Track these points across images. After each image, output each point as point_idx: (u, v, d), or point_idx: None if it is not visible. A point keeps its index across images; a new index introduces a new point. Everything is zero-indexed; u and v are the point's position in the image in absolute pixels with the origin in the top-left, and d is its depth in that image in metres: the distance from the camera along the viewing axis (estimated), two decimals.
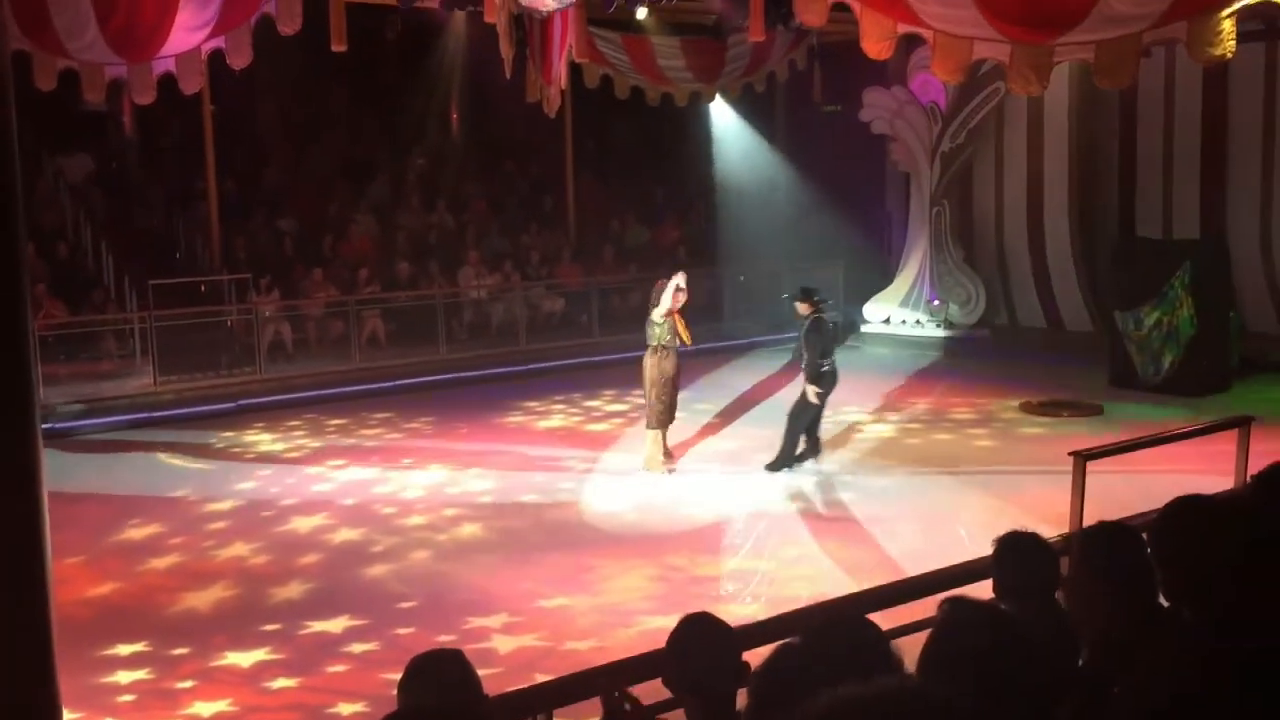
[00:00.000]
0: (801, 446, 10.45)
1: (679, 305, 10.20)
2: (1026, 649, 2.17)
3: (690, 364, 12.57)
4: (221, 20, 10.16)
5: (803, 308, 10.42)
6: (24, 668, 3.77)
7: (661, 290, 10.29)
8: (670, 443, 10.83)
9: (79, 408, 12.69)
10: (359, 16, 12.06)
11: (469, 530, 9.10)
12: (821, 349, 10.21)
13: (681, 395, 10.76)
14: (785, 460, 10.36)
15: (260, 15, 10.25)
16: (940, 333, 16.98)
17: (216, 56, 10.63)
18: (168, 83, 10.69)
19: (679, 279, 10.26)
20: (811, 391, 10.19)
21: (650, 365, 10.30)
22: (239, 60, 10.43)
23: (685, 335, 10.24)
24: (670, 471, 10.47)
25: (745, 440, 11.31)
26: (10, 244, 3.78)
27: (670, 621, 3.05)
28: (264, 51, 10.83)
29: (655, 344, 10.28)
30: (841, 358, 16.40)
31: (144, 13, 10.05)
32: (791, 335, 17.41)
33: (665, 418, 10.42)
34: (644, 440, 10.65)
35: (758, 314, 17.52)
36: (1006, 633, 2.19)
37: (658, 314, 10.21)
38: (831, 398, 13.51)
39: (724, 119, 18.77)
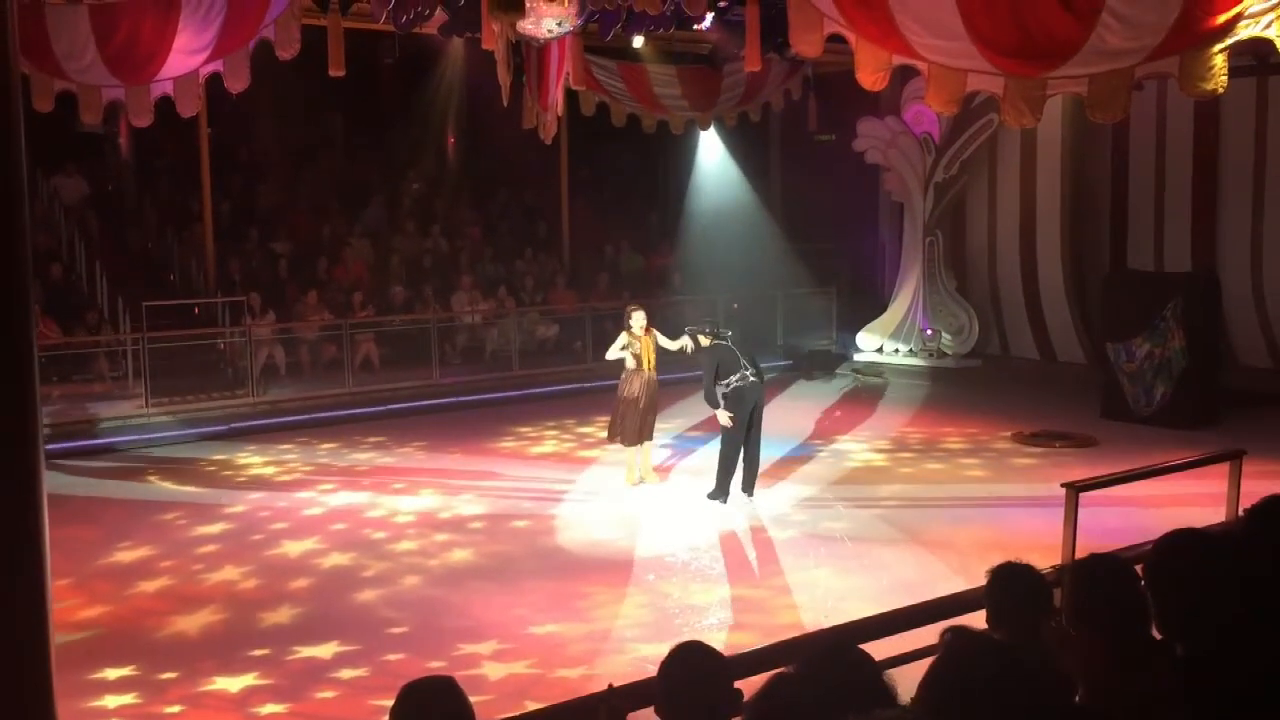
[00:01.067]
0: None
1: (637, 333, 10.78)
2: (1027, 681, 2.17)
3: (683, 390, 12.62)
4: (220, 44, 10.20)
5: (704, 340, 10.50)
6: (23, 692, 3.76)
7: (629, 316, 10.90)
8: (657, 467, 11.15)
9: (71, 429, 12.65)
10: (357, 42, 12.12)
11: (460, 556, 9.06)
12: (719, 372, 10.22)
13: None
14: (722, 489, 10.27)
15: (259, 40, 10.30)
16: (933, 362, 17.02)
17: (214, 80, 10.67)
18: (165, 105, 10.72)
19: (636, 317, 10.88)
20: (723, 416, 10.17)
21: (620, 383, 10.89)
22: (237, 84, 10.46)
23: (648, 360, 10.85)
24: (636, 484, 10.88)
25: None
26: (17, 267, 3.79)
27: (662, 649, 3.04)
28: (261, 76, 10.86)
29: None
30: (833, 387, 16.66)
31: (143, 36, 10.10)
32: (781, 362, 17.63)
33: (628, 436, 10.80)
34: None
35: (751, 341, 17.55)
36: (1009, 664, 2.18)
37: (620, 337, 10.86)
38: (819, 425, 13.69)
39: (719, 147, 18.87)
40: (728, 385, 10.19)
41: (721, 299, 17.79)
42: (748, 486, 10.35)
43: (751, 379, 10.29)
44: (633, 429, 10.76)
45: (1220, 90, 7.61)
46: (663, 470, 11.44)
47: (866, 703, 1.68)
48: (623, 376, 10.84)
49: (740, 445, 10.25)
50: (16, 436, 3.80)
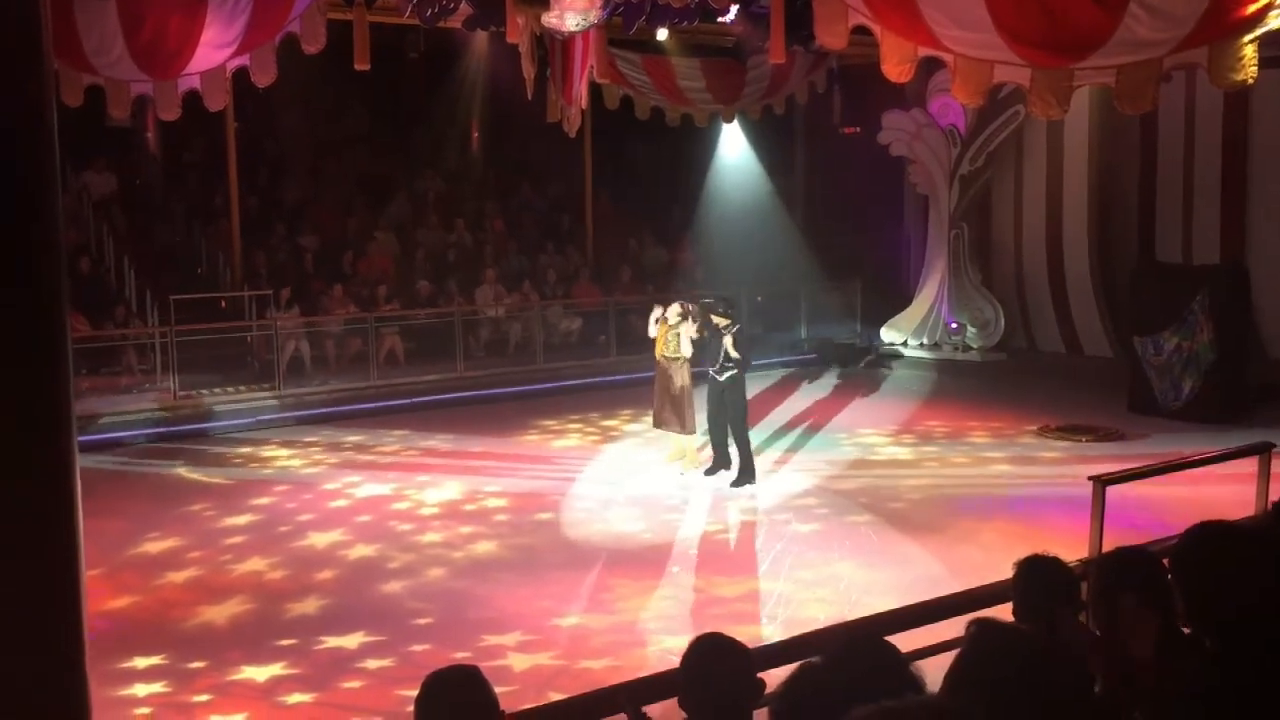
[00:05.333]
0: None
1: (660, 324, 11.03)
2: (1053, 673, 2.17)
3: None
4: (247, 39, 10.25)
5: (719, 318, 10.55)
6: (58, 680, 3.80)
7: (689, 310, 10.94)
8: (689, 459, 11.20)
9: (99, 421, 12.76)
10: (382, 36, 12.17)
11: (485, 548, 9.10)
12: (749, 357, 10.65)
13: (697, 417, 11.12)
14: (749, 471, 10.54)
15: (285, 34, 10.34)
16: (958, 355, 16.94)
17: (241, 74, 10.72)
18: (192, 100, 10.79)
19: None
20: (738, 387, 10.45)
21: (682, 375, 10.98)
22: (263, 78, 10.51)
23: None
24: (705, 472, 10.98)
25: (762, 461, 11.26)
26: (50, 262, 3.83)
27: (686, 642, 3.05)
28: (288, 70, 10.92)
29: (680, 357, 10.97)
30: (858, 379, 16.61)
31: (170, 30, 10.16)
32: (804, 356, 17.58)
33: (692, 423, 11.03)
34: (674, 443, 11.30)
35: (776, 336, 17.59)
36: (1034, 656, 2.18)
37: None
38: (844, 418, 13.67)
39: (743, 140, 18.83)
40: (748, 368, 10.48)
41: (745, 292, 17.78)
42: (721, 472, 10.70)
43: None
44: (692, 417, 10.97)
45: (1250, 81, 7.54)
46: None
47: (894, 692, 1.68)
48: (681, 367, 10.87)
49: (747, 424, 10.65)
50: (51, 430, 3.83)
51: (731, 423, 10.60)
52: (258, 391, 14.24)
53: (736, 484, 10.49)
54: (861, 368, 17.33)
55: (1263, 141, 14.77)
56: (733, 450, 10.68)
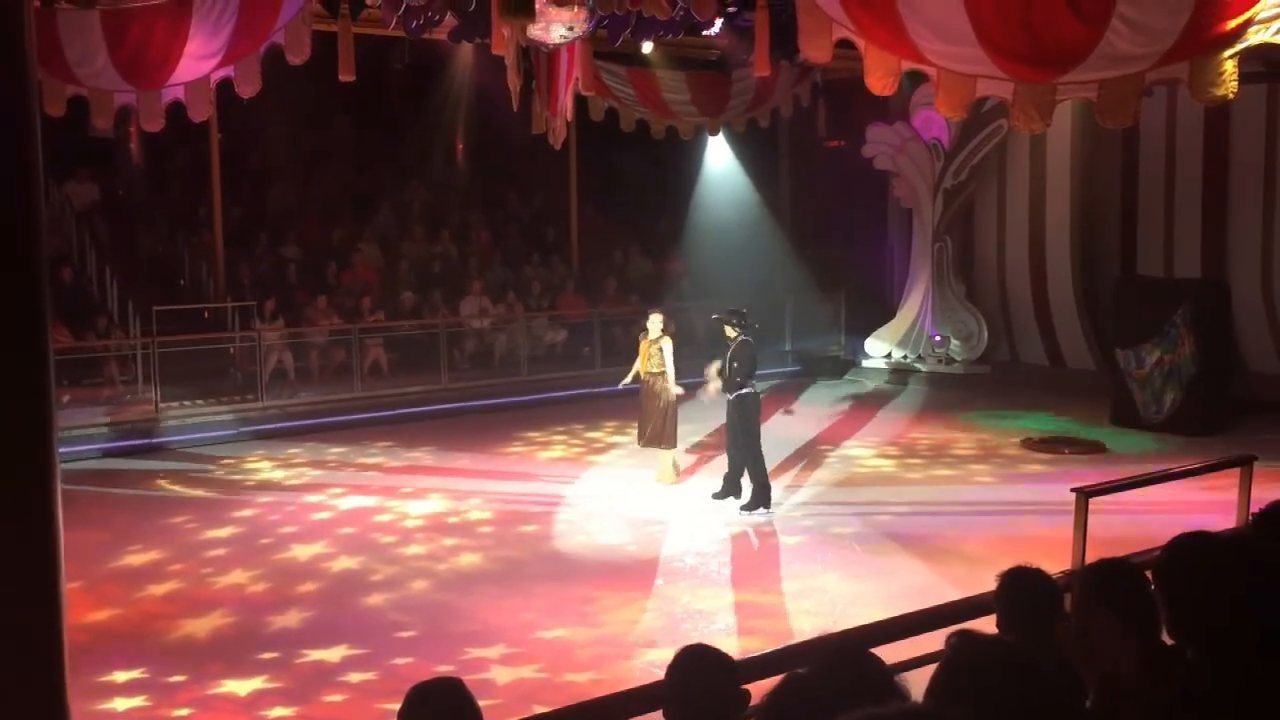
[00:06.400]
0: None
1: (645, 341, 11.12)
2: (1036, 684, 2.16)
3: (690, 396, 12.61)
4: (231, 50, 10.22)
5: (731, 330, 10.35)
6: (37, 694, 3.77)
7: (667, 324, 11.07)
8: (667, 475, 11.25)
9: (80, 433, 12.68)
10: (367, 47, 12.14)
11: (468, 560, 9.07)
12: (751, 369, 10.25)
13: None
14: (763, 495, 10.12)
15: (269, 45, 10.32)
16: (942, 368, 16.99)
17: (225, 85, 10.70)
18: (176, 110, 10.75)
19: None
20: (749, 405, 10.19)
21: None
22: (248, 89, 10.48)
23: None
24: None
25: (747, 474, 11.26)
26: (33, 272, 3.81)
27: (670, 655, 3.04)
28: (272, 81, 10.90)
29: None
30: (842, 392, 16.65)
31: (154, 42, 10.15)
32: (788, 369, 17.60)
33: (672, 439, 11.10)
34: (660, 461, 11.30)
35: (761, 347, 17.56)
36: (1016, 668, 2.17)
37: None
38: (828, 431, 13.68)
39: (727, 153, 18.88)
40: (753, 387, 10.22)
41: (730, 304, 17.75)
42: (737, 492, 10.35)
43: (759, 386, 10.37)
44: (675, 431, 11.00)
45: (1231, 96, 7.59)
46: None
47: (879, 704, 1.68)
48: (665, 381, 10.86)
49: (757, 447, 10.20)
50: (32, 441, 3.81)
51: (744, 443, 10.19)
52: (240, 403, 14.18)
53: (748, 507, 10.10)
54: (844, 380, 17.37)
55: (1243, 156, 14.89)
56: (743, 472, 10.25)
